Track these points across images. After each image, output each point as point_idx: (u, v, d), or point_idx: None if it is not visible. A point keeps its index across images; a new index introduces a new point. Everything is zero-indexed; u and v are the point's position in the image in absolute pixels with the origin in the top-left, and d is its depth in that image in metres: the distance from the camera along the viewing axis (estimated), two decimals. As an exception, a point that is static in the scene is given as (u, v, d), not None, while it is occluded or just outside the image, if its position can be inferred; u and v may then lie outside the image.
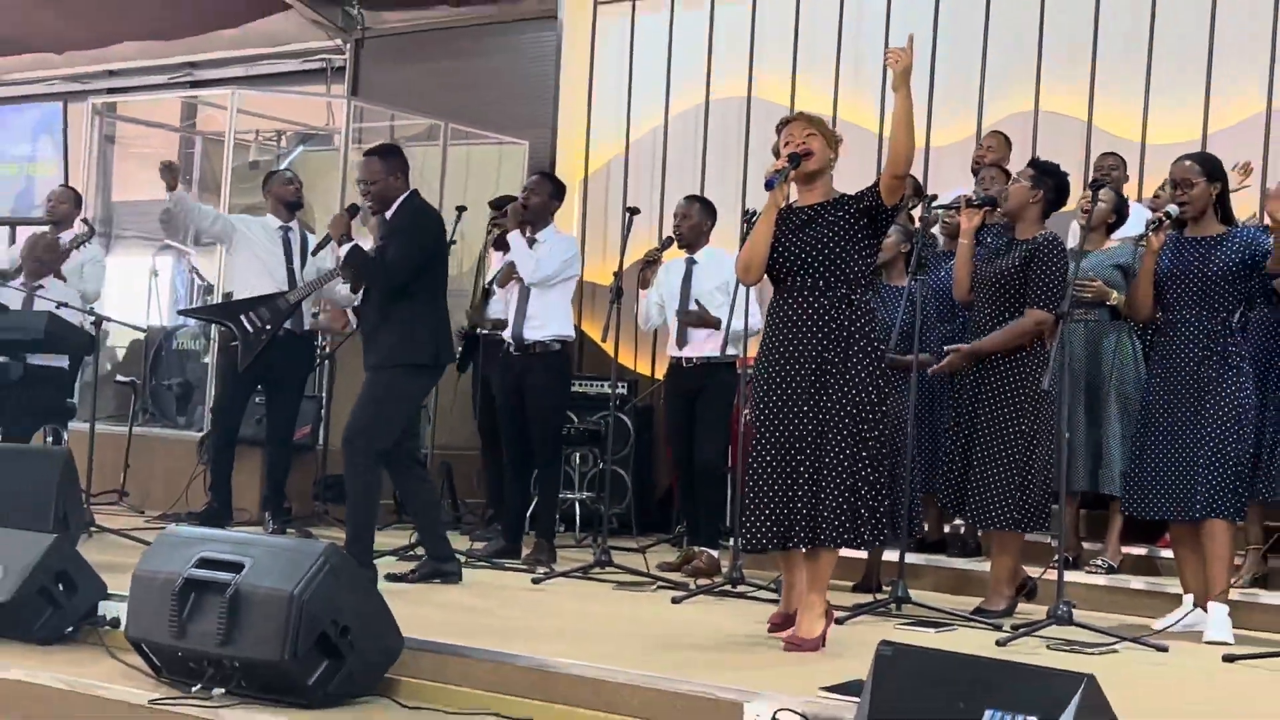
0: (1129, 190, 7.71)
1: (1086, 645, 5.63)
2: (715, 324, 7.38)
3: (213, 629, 4.80)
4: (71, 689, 5.10)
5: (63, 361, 8.48)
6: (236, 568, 4.85)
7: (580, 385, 8.94)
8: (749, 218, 5.65)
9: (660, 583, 7.03)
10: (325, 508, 8.86)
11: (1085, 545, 7.29)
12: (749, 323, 7.30)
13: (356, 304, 7.72)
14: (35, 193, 11.63)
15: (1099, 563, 7.11)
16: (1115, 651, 5.58)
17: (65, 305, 8.41)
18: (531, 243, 7.75)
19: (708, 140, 10.19)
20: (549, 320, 7.76)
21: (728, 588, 6.84)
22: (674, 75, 10.38)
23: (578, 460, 8.97)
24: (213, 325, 9.11)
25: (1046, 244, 6.28)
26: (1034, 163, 6.90)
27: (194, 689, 4.89)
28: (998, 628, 5.99)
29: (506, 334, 7.84)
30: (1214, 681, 5.19)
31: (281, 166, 9.67)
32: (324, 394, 9.16)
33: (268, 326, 8.12)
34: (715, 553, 7.52)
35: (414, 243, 6.71)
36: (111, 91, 13.18)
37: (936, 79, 9.26)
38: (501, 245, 8.69)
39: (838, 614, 5.84)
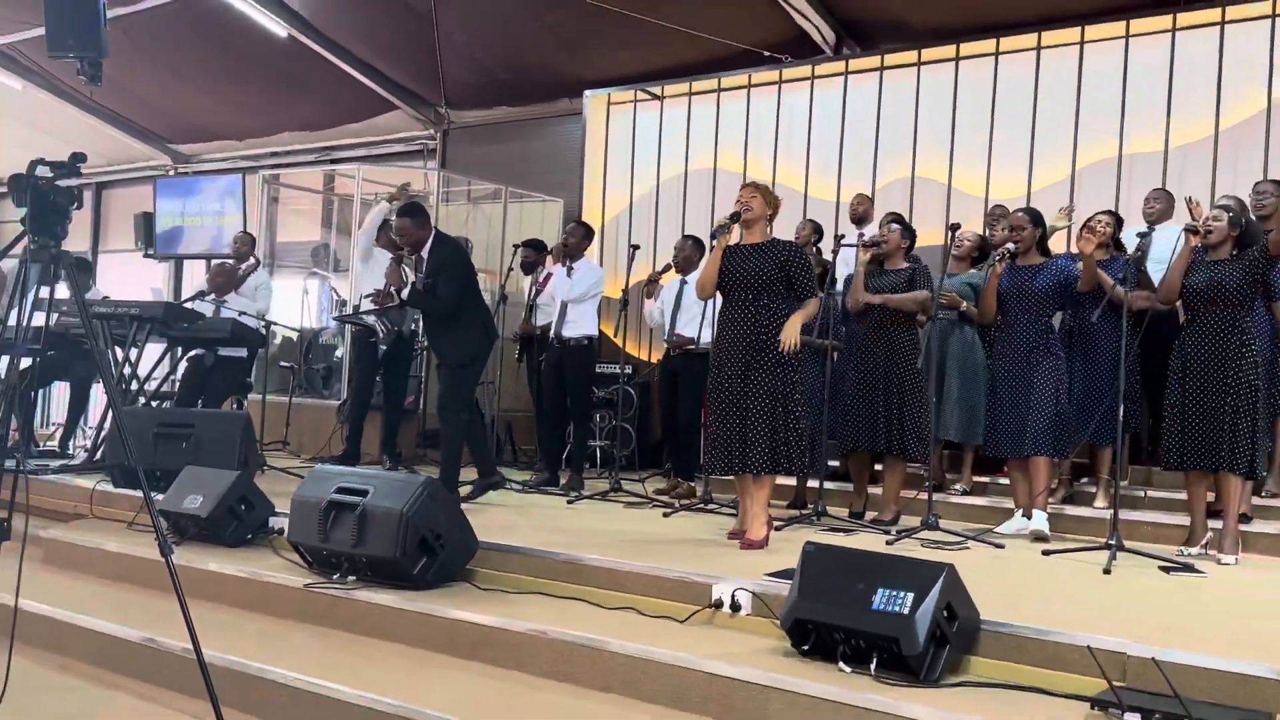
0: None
1: (948, 544, 5.65)
2: (691, 342, 7.44)
3: (347, 535, 4.87)
4: (251, 577, 5.19)
5: (242, 352, 8.49)
6: (363, 493, 4.92)
7: (600, 368, 8.98)
8: (713, 237, 5.74)
9: (655, 503, 7.06)
10: (424, 452, 8.85)
11: (947, 475, 7.27)
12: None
13: None
14: (224, 237, 11.65)
15: (957, 487, 7.12)
16: (968, 548, 5.61)
17: (243, 314, 8.47)
18: (570, 270, 7.79)
19: (686, 198, 10.20)
20: (581, 324, 7.79)
21: (701, 506, 6.86)
22: (663, 153, 10.40)
23: (598, 419, 8.98)
24: (348, 326, 9.14)
25: (917, 270, 6.44)
26: (898, 218, 7.03)
27: (334, 577, 4.97)
28: (887, 532, 6.00)
29: (550, 333, 7.89)
30: (1035, 567, 5.23)
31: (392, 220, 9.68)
32: (423, 376, 9.19)
33: (396, 327, 8.22)
34: (692, 482, 7.56)
35: (455, 275, 6.73)
36: (275, 166, 13.19)
37: (845, 153, 9.29)
38: (528, 269, 8.92)
39: (776, 523, 5.88)
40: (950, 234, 7.15)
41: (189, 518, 5.78)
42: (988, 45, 8.68)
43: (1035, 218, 6.20)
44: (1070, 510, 6.48)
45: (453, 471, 6.78)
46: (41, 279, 3.87)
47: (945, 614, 3.69)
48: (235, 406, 8.65)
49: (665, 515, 6.57)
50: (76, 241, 15.79)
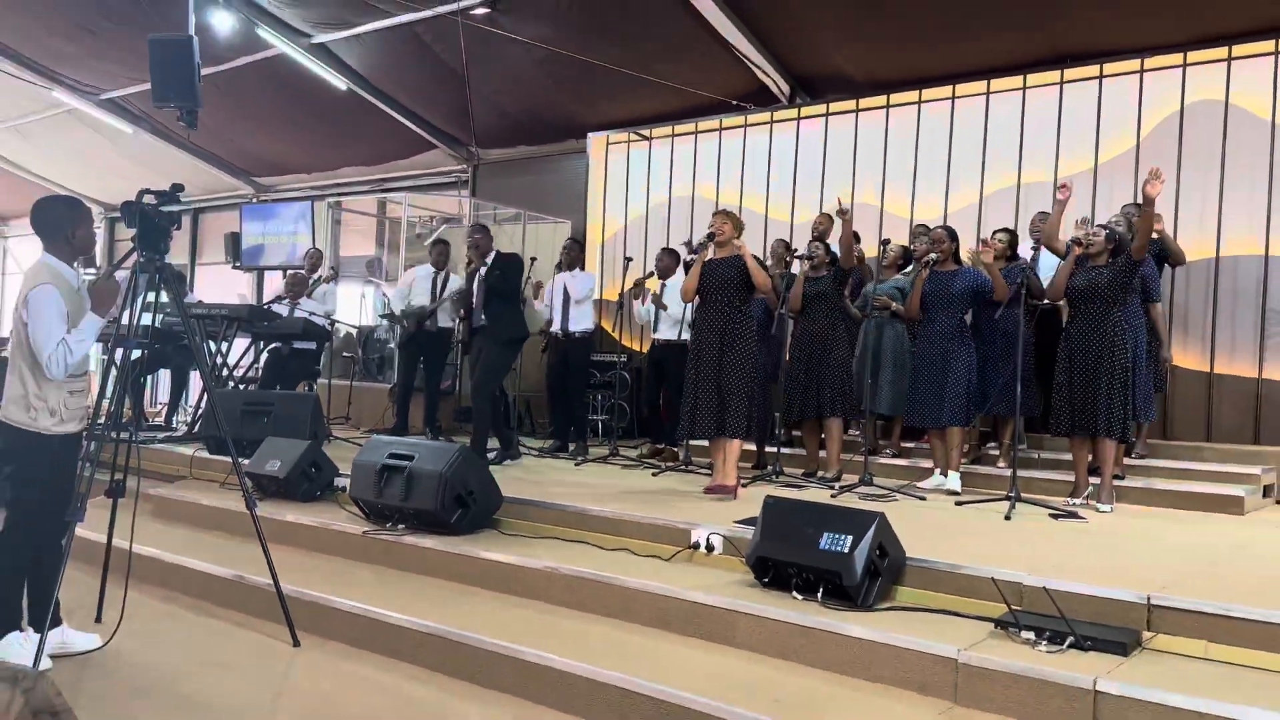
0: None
1: (880, 497, 5.67)
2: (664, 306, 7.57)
3: (397, 492, 4.89)
4: (320, 526, 5.20)
5: (312, 345, 8.48)
6: (410, 458, 4.94)
7: (599, 356, 8.96)
8: (693, 252, 5.78)
9: (645, 465, 7.06)
10: (460, 425, 8.86)
11: (880, 442, 7.26)
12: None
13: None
14: (297, 253, 11.58)
15: (888, 451, 7.14)
16: (896, 500, 5.63)
17: (313, 314, 8.44)
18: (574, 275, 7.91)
19: (670, 220, 10.17)
20: (582, 319, 7.82)
21: (683, 468, 6.87)
22: (651, 183, 10.37)
23: (599, 398, 8.98)
24: (397, 325, 9.12)
25: (849, 271, 6.47)
26: (820, 237, 7.04)
27: (387, 526, 4.99)
28: (831, 487, 6.01)
29: (555, 328, 7.85)
30: (950, 515, 5.26)
31: (432, 239, 9.64)
32: (458, 363, 9.17)
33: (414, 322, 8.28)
34: (676, 448, 7.56)
35: (512, 274, 7.03)
36: (338, 195, 13.16)
37: (797, 184, 9.28)
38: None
39: (742, 480, 5.90)
40: (882, 247, 7.15)
41: (269, 478, 5.78)
42: (912, 96, 8.66)
43: (952, 233, 6.22)
44: (978, 469, 6.49)
45: (483, 438, 6.83)
46: (148, 287, 3.87)
47: (878, 552, 3.71)
48: (307, 389, 8.63)
49: (654, 475, 6.57)
50: (178, 256, 15.76)
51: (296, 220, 12.37)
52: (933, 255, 6.15)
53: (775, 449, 6.69)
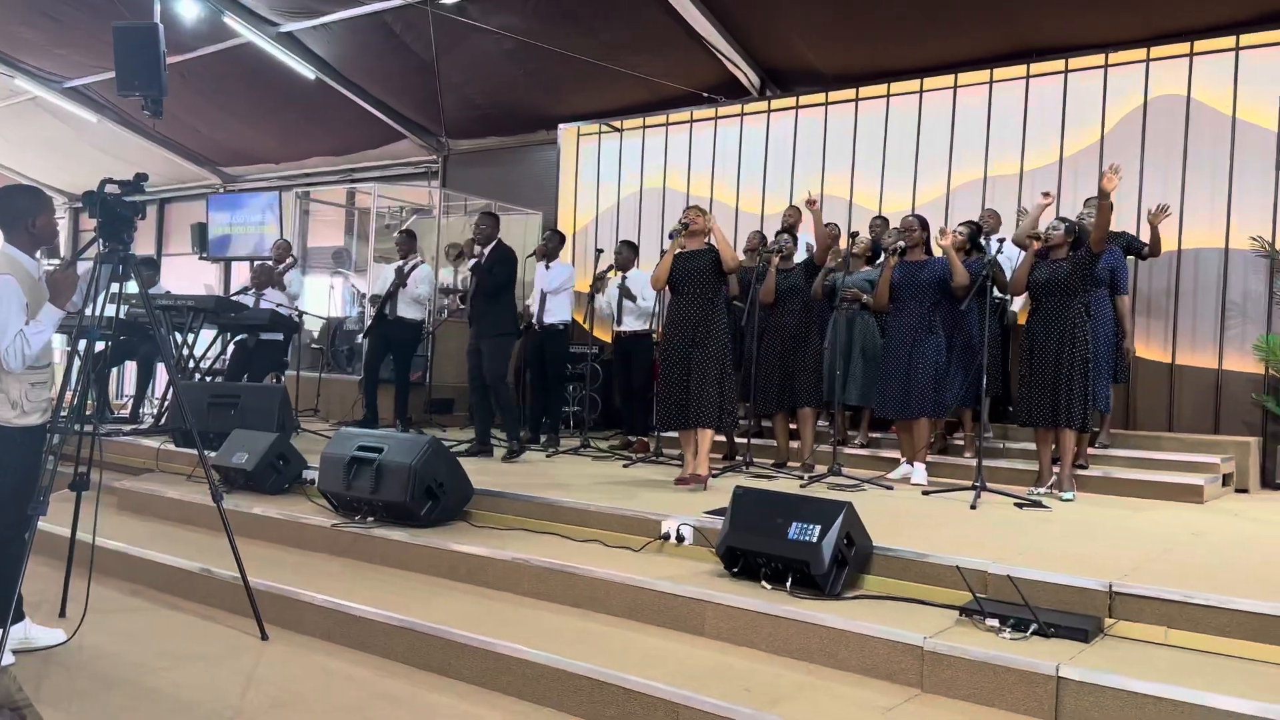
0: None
1: (848, 487, 5.69)
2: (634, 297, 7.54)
3: (367, 484, 4.85)
4: (288, 519, 5.16)
5: (279, 336, 8.40)
6: (379, 450, 4.90)
7: (572, 348, 8.94)
8: (670, 237, 5.78)
9: (616, 456, 7.07)
10: (430, 417, 8.82)
11: (850, 431, 7.31)
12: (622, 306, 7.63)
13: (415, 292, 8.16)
14: (265, 243, 11.48)
15: (858, 441, 7.18)
16: (864, 490, 5.66)
17: (280, 305, 8.35)
18: (549, 266, 7.80)
19: (641, 211, 10.16)
20: (558, 311, 7.76)
21: (654, 458, 6.87)
22: (622, 175, 10.35)
23: (571, 389, 8.96)
24: (366, 317, 9.05)
25: (809, 266, 6.52)
26: (789, 229, 7.06)
27: (356, 518, 4.95)
28: (801, 478, 6.03)
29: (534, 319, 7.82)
30: (917, 504, 5.29)
31: (401, 229, 9.55)
32: (430, 355, 9.11)
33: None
34: (647, 438, 7.56)
35: (508, 268, 6.91)
36: (306, 185, 13.05)
37: (768, 176, 9.30)
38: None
39: (713, 471, 5.90)
40: (851, 239, 7.18)
41: (237, 471, 5.72)
42: (880, 89, 8.71)
43: (923, 222, 6.22)
44: (945, 459, 6.55)
45: (514, 426, 6.82)
46: (112, 277, 3.81)
47: (845, 542, 3.73)
48: (275, 381, 8.56)
49: (625, 466, 6.57)
50: (144, 247, 15.55)
51: (264, 211, 12.25)
52: (901, 244, 6.16)
53: (746, 440, 6.70)
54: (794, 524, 3.78)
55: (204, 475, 4.21)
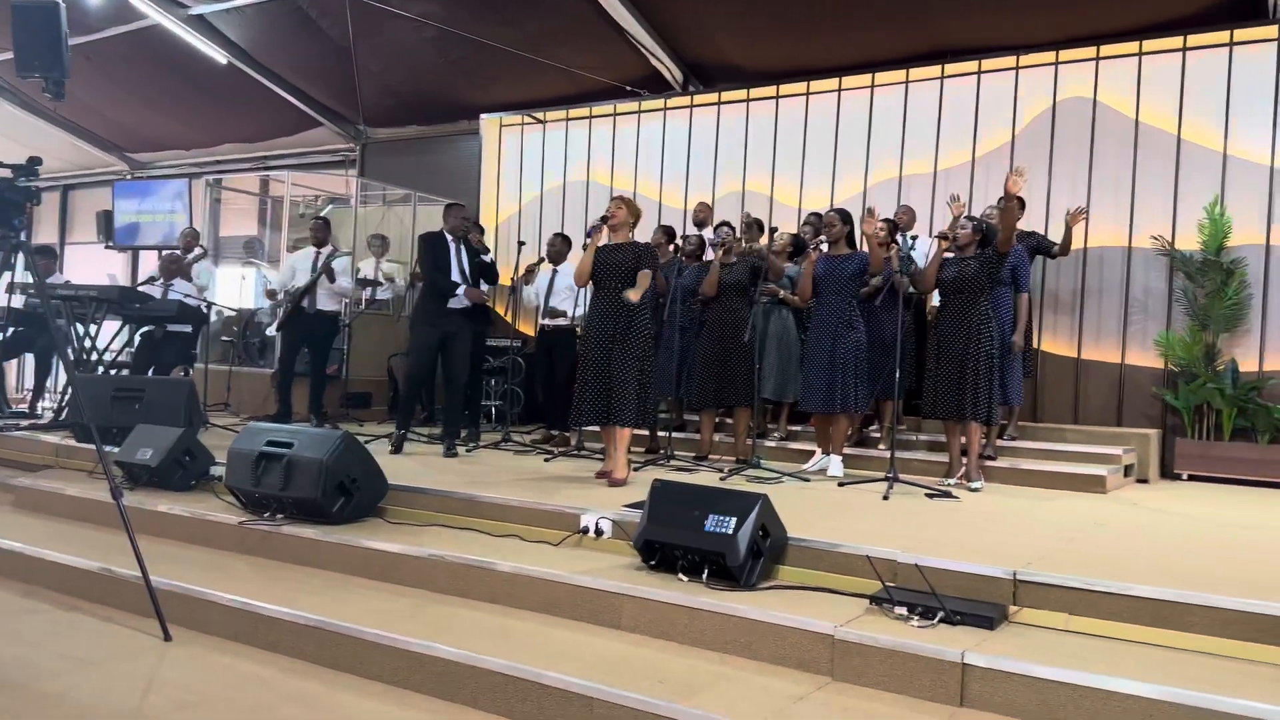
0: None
1: (767, 479, 5.75)
2: (564, 314, 7.42)
3: (276, 480, 4.73)
4: (194, 516, 5.00)
5: (188, 328, 8.16)
6: (289, 446, 4.77)
7: (493, 341, 8.86)
8: (587, 235, 5.73)
9: (537, 451, 7.02)
10: (346, 412, 8.66)
11: (770, 425, 7.40)
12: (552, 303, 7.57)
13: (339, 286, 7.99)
14: (174, 232, 11.14)
15: (777, 434, 7.27)
16: (782, 482, 5.73)
17: (189, 295, 8.11)
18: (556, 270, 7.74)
19: (565, 205, 10.13)
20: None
21: (576, 453, 6.85)
22: (545, 167, 10.29)
23: (493, 383, 8.89)
24: (280, 308, 8.83)
25: (755, 258, 6.51)
26: (725, 223, 7.07)
27: (265, 515, 4.83)
28: (720, 470, 6.06)
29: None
30: (832, 496, 5.36)
31: (316, 216, 9.33)
32: (346, 348, 8.94)
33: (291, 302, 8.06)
34: (568, 433, 7.54)
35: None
36: (218, 172, 12.69)
37: (718, 173, 9.33)
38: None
39: (634, 464, 5.92)
40: (771, 235, 7.23)
41: (141, 467, 5.54)
42: (800, 87, 8.81)
43: (844, 216, 6.27)
44: (860, 451, 6.66)
45: (458, 429, 6.87)
46: (3, 265, 3.65)
47: (761, 533, 3.76)
48: (183, 374, 8.30)
49: (546, 461, 6.52)
50: (46, 235, 14.96)
51: (174, 198, 11.88)
52: (822, 239, 6.22)
53: (667, 433, 6.71)
54: (711, 516, 3.79)
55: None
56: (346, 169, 11.90)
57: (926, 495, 5.35)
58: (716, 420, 6.83)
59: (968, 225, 5.77)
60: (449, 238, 6.89)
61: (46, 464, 6.42)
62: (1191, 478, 6.87)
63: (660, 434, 7.05)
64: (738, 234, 6.85)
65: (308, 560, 4.47)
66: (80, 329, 7.58)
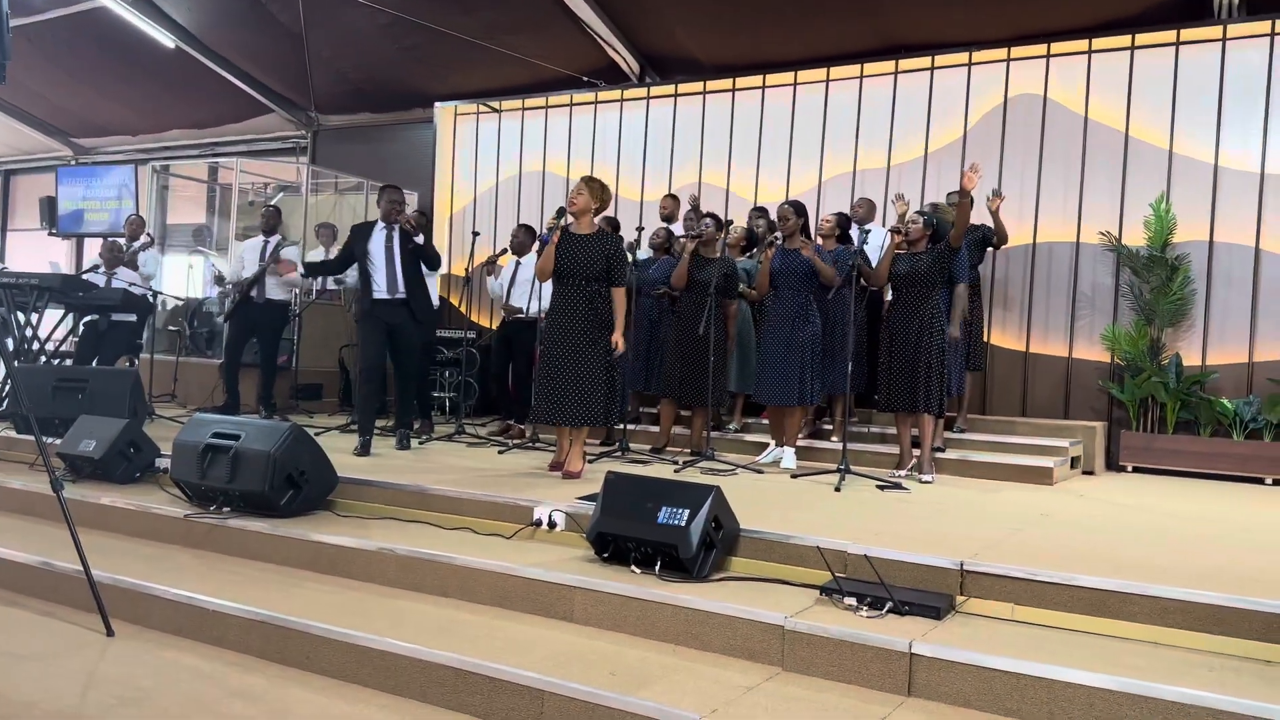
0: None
1: (721, 471, 5.77)
2: (521, 310, 7.38)
3: (223, 473, 4.66)
4: (138, 509, 4.91)
5: (132, 317, 7.99)
6: (236, 438, 4.70)
7: (447, 332, 8.80)
8: (543, 242, 5.65)
9: (491, 443, 6.96)
10: (296, 404, 8.54)
11: (725, 417, 7.39)
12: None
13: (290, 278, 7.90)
14: (120, 220, 10.90)
15: (731, 426, 7.28)
16: (736, 474, 5.74)
17: (133, 284, 7.94)
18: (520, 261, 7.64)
19: (520, 195, 10.07)
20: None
21: (530, 445, 6.82)
22: (501, 157, 10.22)
23: (447, 375, 8.81)
24: (228, 298, 8.67)
25: (727, 261, 6.51)
26: (712, 214, 7.04)
27: (211, 509, 4.75)
28: (674, 462, 6.06)
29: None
30: (785, 487, 5.37)
31: (269, 204, 9.19)
32: (296, 338, 8.81)
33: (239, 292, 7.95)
34: (522, 425, 7.51)
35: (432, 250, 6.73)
36: (165, 159, 12.44)
37: (676, 164, 9.32)
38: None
39: (589, 457, 5.90)
40: (725, 228, 7.24)
41: (84, 459, 5.42)
42: (756, 80, 8.84)
43: (798, 209, 6.24)
44: (814, 444, 6.70)
45: (410, 420, 6.76)
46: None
47: (713, 525, 3.77)
48: (128, 364, 8.14)
49: (500, 453, 6.48)
50: (-15, 221, 14.59)
51: (119, 185, 11.62)
52: (778, 235, 6.23)
53: (623, 425, 6.71)
54: (664, 508, 3.80)
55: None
56: (297, 156, 11.72)
57: (878, 487, 5.40)
58: (675, 413, 6.84)
59: (919, 220, 5.83)
60: (380, 224, 6.43)
61: (-14, 456, 6.26)
62: (1136, 469, 7.01)
63: (616, 426, 7.03)
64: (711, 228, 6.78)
65: (255, 554, 4.41)
66: (21, 318, 7.40)
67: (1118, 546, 4.05)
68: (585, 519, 4.14)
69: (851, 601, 3.33)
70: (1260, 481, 6.59)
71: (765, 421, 6.94)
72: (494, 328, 9.03)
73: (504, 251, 7.89)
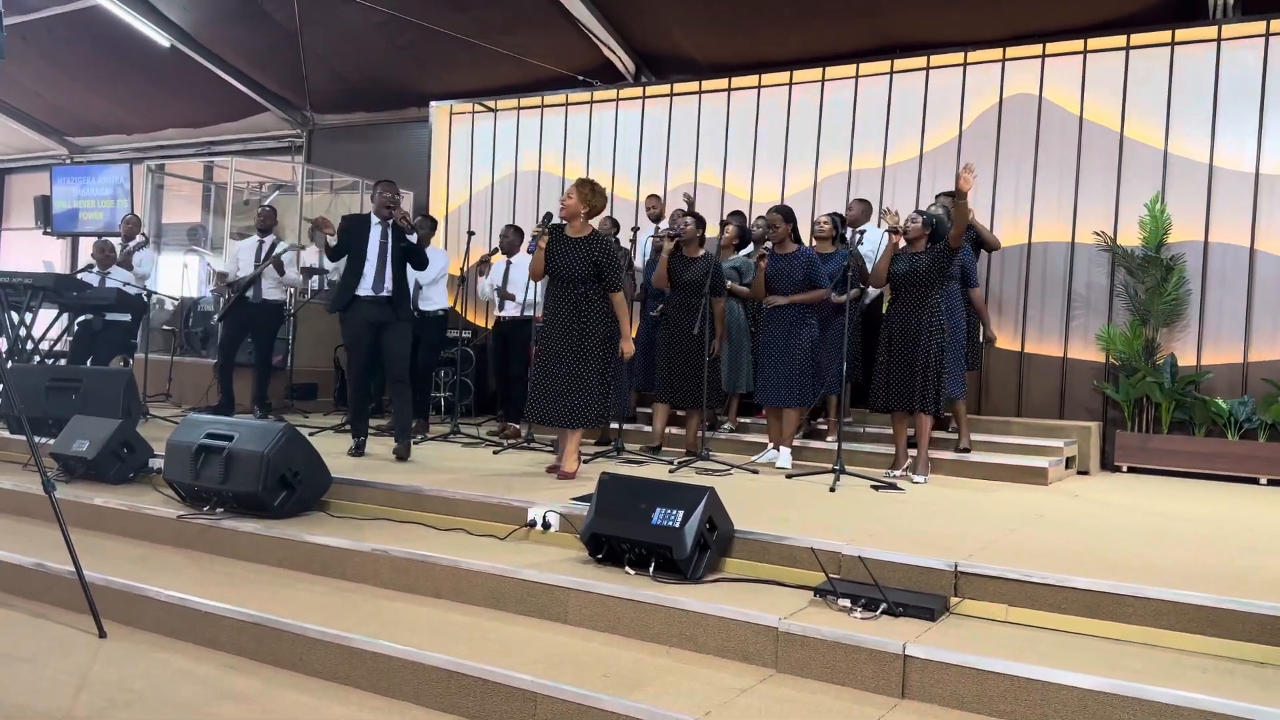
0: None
1: (716, 472, 5.76)
2: (512, 297, 7.39)
3: (216, 473, 4.64)
4: (131, 510, 4.89)
5: (126, 317, 7.95)
6: (229, 438, 4.69)
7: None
8: (530, 248, 5.63)
9: (487, 443, 6.94)
10: (291, 403, 8.52)
11: (720, 416, 7.39)
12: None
13: (288, 278, 7.82)
14: (116, 219, 10.89)
15: (727, 426, 7.28)
16: (730, 474, 5.74)
17: (128, 284, 7.91)
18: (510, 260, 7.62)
19: (516, 194, 10.05)
20: (435, 299, 7.69)
21: (525, 445, 6.81)
22: (496, 156, 10.20)
23: (443, 374, 8.79)
24: (221, 297, 8.64)
25: (709, 258, 6.42)
26: (693, 212, 7.03)
27: (204, 510, 4.73)
28: (670, 463, 6.06)
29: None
30: (780, 488, 5.37)
31: (263, 204, 9.17)
32: (291, 338, 8.79)
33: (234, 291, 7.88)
34: (518, 425, 7.49)
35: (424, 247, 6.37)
36: (161, 157, 12.41)
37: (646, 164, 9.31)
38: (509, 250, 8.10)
39: (584, 457, 5.87)
40: (721, 228, 7.25)
41: (77, 459, 5.40)
42: (751, 80, 8.82)
43: (787, 214, 6.25)
44: (809, 443, 6.69)
45: (409, 426, 6.15)
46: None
47: (708, 526, 3.76)
48: (123, 364, 8.11)
49: (495, 453, 6.47)
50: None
51: (114, 184, 11.60)
52: (768, 243, 6.24)
53: (618, 425, 6.70)
54: (658, 509, 3.79)
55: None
56: (293, 155, 11.70)
57: (873, 487, 5.39)
58: (671, 413, 6.83)
59: (917, 219, 5.82)
60: (374, 219, 6.08)
61: (-21, 456, 6.24)
62: (1131, 469, 7.01)
63: (612, 426, 7.02)
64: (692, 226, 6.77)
65: (248, 555, 4.40)
66: (15, 317, 7.37)
67: (1112, 547, 4.04)
68: (580, 520, 4.13)
69: (845, 603, 3.32)
70: (1255, 481, 6.60)
71: (762, 421, 6.93)
72: (489, 327, 9.02)
73: (495, 251, 7.89)
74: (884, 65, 8.25)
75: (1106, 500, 5.58)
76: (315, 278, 9.02)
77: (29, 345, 7.51)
